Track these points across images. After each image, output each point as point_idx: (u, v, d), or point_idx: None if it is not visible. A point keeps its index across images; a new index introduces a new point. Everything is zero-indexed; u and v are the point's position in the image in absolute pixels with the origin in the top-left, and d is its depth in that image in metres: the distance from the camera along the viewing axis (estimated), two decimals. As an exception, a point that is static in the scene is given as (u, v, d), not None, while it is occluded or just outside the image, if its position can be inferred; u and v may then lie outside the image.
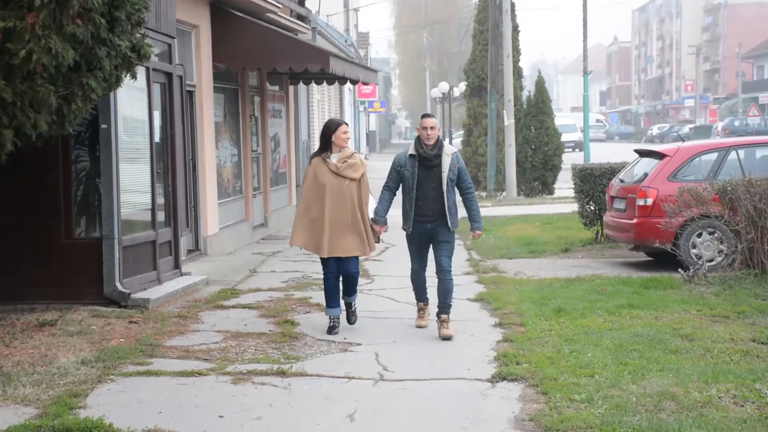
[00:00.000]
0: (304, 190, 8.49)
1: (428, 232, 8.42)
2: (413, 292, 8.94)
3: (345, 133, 8.47)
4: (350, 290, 8.74)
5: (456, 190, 8.46)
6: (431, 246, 8.54)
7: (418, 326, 8.74)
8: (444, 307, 8.43)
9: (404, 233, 8.59)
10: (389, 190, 8.52)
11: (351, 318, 8.86)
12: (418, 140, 8.38)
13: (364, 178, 8.55)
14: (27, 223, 9.69)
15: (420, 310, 8.91)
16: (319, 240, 8.37)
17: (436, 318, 8.48)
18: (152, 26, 10.19)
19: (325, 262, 8.49)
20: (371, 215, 8.50)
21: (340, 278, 8.64)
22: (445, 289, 8.44)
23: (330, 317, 8.61)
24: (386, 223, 8.54)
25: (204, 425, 5.86)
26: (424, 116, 8.50)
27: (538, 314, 9.01)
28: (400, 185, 8.48)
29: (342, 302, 8.76)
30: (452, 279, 8.49)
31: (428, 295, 8.87)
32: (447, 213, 8.32)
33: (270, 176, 18.07)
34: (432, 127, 8.33)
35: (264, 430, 5.78)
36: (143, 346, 7.90)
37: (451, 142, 45.28)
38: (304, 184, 8.54)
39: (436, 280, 8.53)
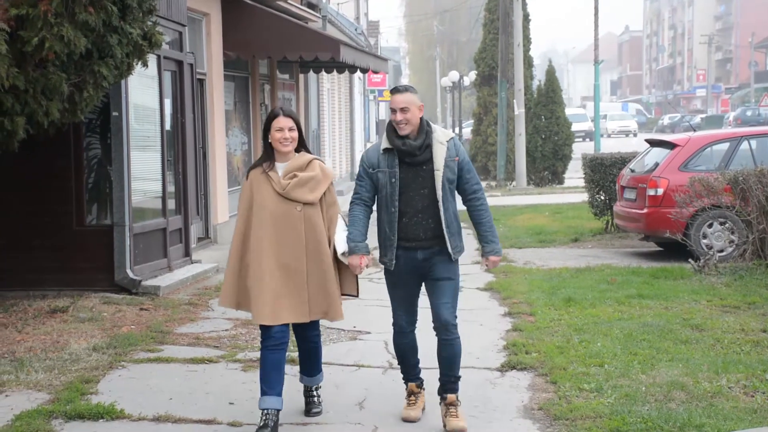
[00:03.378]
0: (237, 220, 5.64)
1: (420, 266, 5.58)
2: (398, 366, 6.03)
3: (281, 131, 5.49)
4: (312, 367, 5.91)
5: (457, 195, 5.68)
6: (424, 286, 5.73)
7: (406, 419, 5.77)
8: (449, 382, 5.70)
9: (388, 268, 5.68)
10: (363, 203, 5.64)
11: (312, 406, 5.91)
12: (392, 127, 5.55)
13: (329, 198, 5.64)
14: (39, 210, 9.73)
15: (410, 394, 5.86)
16: (258, 298, 5.43)
17: (439, 399, 5.74)
18: (163, 14, 10.20)
19: (266, 328, 5.50)
20: (341, 248, 5.57)
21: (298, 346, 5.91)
22: (451, 355, 5.66)
23: (262, 413, 5.47)
24: (368, 251, 5.62)
25: (214, 412, 5.89)
26: (394, 91, 5.60)
27: (547, 304, 9.01)
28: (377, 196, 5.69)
29: (292, 387, 6.02)
30: (459, 337, 5.67)
31: (424, 364, 5.99)
32: (446, 233, 5.52)
33: (280, 164, 18.06)
34: (403, 109, 5.47)
35: (274, 418, 5.80)
36: (154, 333, 7.94)
37: (461, 132, 45.02)
38: (238, 209, 5.71)
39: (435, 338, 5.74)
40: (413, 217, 5.55)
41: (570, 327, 7.98)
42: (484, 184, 26.46)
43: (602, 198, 14.51)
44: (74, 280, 9.57)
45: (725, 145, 12.18)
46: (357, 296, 5.75)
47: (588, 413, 5.66)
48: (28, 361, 6.91)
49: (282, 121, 5.50)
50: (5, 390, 6.31)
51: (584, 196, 15.86)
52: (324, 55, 15.03)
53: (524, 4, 26.28)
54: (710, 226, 11.53)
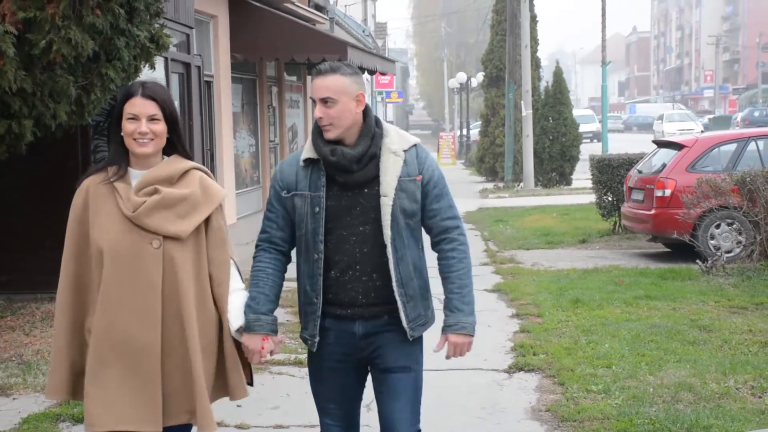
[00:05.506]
0: (63, 257, 3.55)
1: (359, 347, 3.64)
2: None
3: (134, 120, 3.41)
4: None
5: (421, 232, 3.70)
6: (371, 380, 3.76)
7: None
8: None
9: (309, 348, 3.75)
10: (272, 248, 3.68)
11: None
12: (318, 130, 3.58)
13: (215, 235, 3.55)
14: (46, 212, 9.75)
15: None
16: (88, 393, 3.47)
17: None
18: (171, 16, 10.23)
19: None
20: (236, 322, 3.57)
21: None
22: None
23: None
24: (275, 327, 3.64)
25: (221, 414, 5.89)
26: (315, 73, 3.55)
27: (555, 305, 9.01)
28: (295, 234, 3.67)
29: None
30: None
31: None
32: (398, 296, 3.56)
33: (287, 166, 18.10)
34: (326, 100, 3.49)
35: (281, 420, 5.81)
36: (162, 335, 7.93)
37: (468, 133, 44.94)
38: (66, 239, 3.58)
39: None
40: (348, 270, 3.55)
41: (578, 328, 7.97)
42: (491, 185, 26.62)
43: (610, 199, 14.49)
44: (82, 283, 9.54)
45: (733, 146, 12.16)
46: (246, 394, 3.72)
47: (596, 414, 5.65)
48: (36, 364, 6.93)
49: (138, 104, 3.40)
50: (13, 393, 6.33)
51: (592, 198, 15.84)
52: (331, 56, 15.03)
53: (532, 6, 26.25)
54: (718, 227, 11.51)
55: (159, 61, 9.57)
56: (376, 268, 3.56)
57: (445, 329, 3.63)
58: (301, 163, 3.59)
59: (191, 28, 11.50)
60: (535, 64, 27.12)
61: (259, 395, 6.23)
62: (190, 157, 3.64)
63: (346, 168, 3.50)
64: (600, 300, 9.12)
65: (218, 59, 13.65)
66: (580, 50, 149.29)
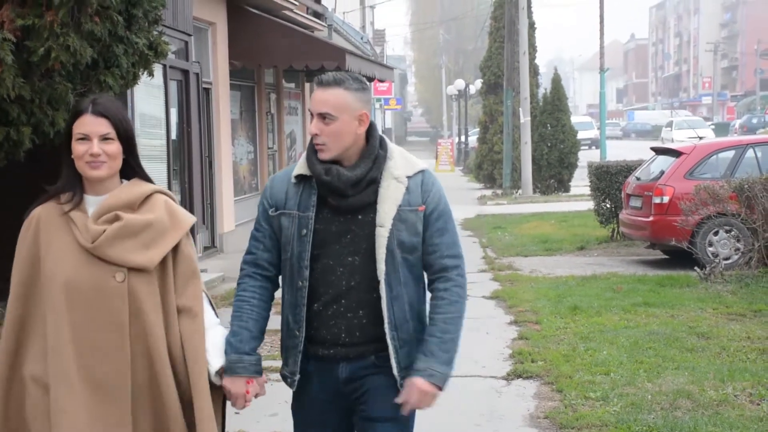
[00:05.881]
0: (10, 297, 3.12)
1: (342, 391, 3.26)
2: None
3: (85, 140, 3.03)
4: None
5: (422, 269, 3.27)
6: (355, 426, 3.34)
7: None
8: None
9: (289, 386, 3.42)
10: (259, 273, 3.31)
11: None
12: (313, 147, 3.20)
13: (184, 265, 3.14)
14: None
15: None
16: None
17: None
18: (169, 24, 10.24)
19: None
20: (217, 362, 3.22)
21: None
22: None
23: None
24: (260, 368, 3.34)
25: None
26: (317, 83, 3.14)
27: (553, 312, 9.01)
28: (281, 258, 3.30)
29: None
30: None
31: None
32: (390, 338, 3.17)
33: (286, 173, 18.12)
34: (325, 116, 3.10)
35: (279, 427, 5.80)
36: (160, 342, 7.93)
37: (466, 140, 44.97)
38: (12, 277, 3.14)
39: None
40: (331, 304, 3.17)
41: (576, 335, 7.97)
42: (489, 192, 26.63)
43: (608, 206, 14.50)
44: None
45: (730, 153, 12.18)
46: None
47: (594, 422, 5.65)
48: None
49: (88, 123, 3.01)
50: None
51: (590, 204, 15.86)
52: (330, 64, 15.07)
53: (530, 13, 26.30)
54: (716, 233, 11.52)
55: (157, 69, 9.57)
56: (364, 304, 3.15)
57: (413, 373, 3.13)
58: (293, 180, 3.20)
59: (190, 35, 11.52)
60: (534, 71, 27.17)
61: (258, 402, 6.20)
62: (150, 180, 3.23)
63: (340, 191, 3.11)
64: (598, 307, 9.12)
65: (217, 66, 13.66)
66: (579, 57, 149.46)
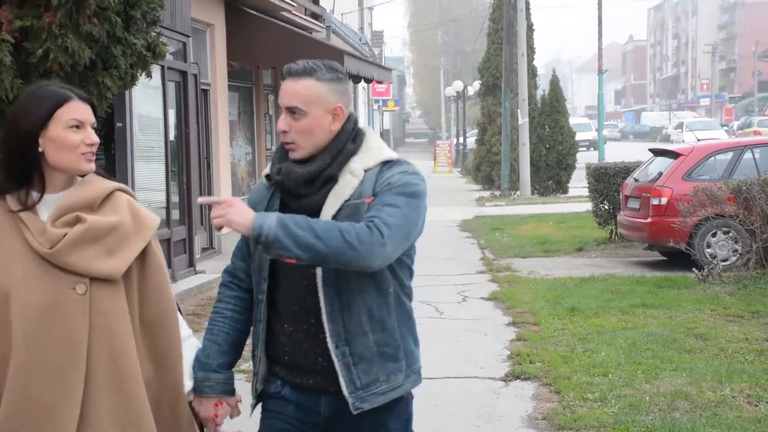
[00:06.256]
0: None
1: (304, 426, 2.82)
2: None
3: (79, 128, 2.64)
4: None
5: (387, 272, 2.74)
6: None
7: None
8: None
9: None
10: (235, 282, 2.94)
11: None
12: (282, 145, 2.81)
13: (152, 274, 2.70)
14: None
15: None
16: None
17: None
18: (167, 25, 10.24)
19: None
20: (189, 382, 2.79)
21: None
22: None
23: None
24: (232, 388, 2.88)
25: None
26: (288, 74, 2.74)
27: (551, 313, 9.01)
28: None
29: None
30: None
31: None
32: (336, 354, 2.70)
33: (284, 174, 18.14)
34: (293, 110, 2.70)
35: (278, 428, 5.79)
36: (158, 344, 7.92)
37: (465, 141, 45.00)
38: None
39: None
40: (301, 324, 2.77)
41: (574, 336, 7.97)
42: (487, 193, 26.64)
43: (606, 207, 14.50)
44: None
45: (728, 155, 12.19)
46: None
47: (592, 423, 5.65)
48: None
49: (80, 109, 2.68)
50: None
51: (588, 206, 15.86)
52: (328, 65, 15.07)
53: (528, 14, 26.32)
54: (714, 235, 11.53)
55: (156, 70, 9.58)
56: (316, 323, 2.72)
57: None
58: (264, 182, 2.86)
59: (188, 36, 11.52)
60: (532, 72, 27.19)
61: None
62: (106, 176, 2.76)
63: (291, 190, 2.73)
64: (596, 308, 9.12)
65: (215, 67, 13.67)
66: (577, 59, 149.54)
